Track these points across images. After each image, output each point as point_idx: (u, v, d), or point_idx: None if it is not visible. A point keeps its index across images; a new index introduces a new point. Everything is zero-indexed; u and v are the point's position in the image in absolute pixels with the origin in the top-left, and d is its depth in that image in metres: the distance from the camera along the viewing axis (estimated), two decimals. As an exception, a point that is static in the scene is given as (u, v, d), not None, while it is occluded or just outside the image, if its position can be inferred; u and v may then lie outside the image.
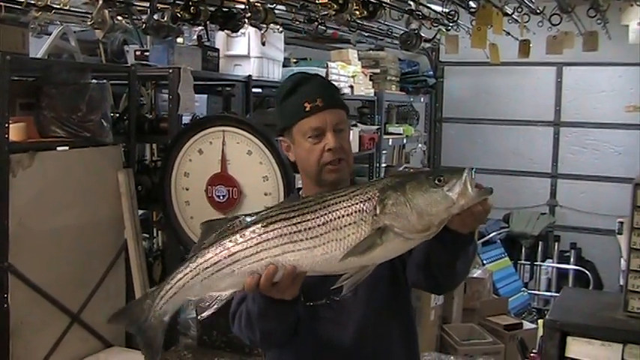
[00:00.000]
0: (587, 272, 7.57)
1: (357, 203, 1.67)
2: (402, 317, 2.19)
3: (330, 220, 1.68)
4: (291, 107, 2.12)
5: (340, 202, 1.69)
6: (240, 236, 1.75)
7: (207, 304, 1.80)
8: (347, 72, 6.49)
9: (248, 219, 1.77)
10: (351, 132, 5.83)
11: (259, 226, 1.74)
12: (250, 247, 1.73)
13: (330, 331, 2.08)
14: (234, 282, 1.77)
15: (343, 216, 1.67)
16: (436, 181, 1.64)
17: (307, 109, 2.08)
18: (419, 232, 1.64)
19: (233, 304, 2.07)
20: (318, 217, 1.69)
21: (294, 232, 1.70)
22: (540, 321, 3.57)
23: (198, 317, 1.88)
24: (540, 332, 3.39)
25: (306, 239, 1.69)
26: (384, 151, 7.25)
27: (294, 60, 6.52)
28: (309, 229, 1.69)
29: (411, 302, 2.26)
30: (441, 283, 2.02)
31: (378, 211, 1.65)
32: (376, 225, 1.65)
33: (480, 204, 1.67)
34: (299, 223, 1.70)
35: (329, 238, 1.68)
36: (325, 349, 2.09)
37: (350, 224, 1.67)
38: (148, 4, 4.11)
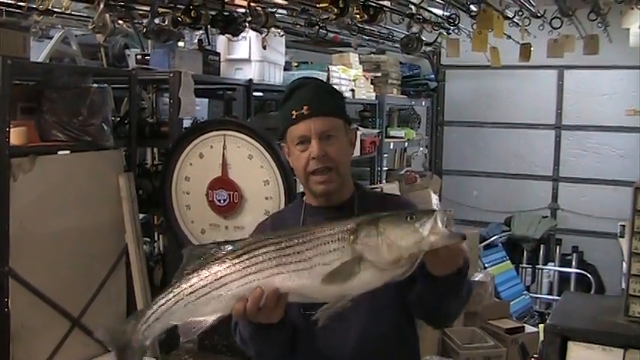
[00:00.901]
0: (589, 276, 7.56)
1: (338, 232, 1.71)
2: (404, 326, 2.18)
3: (318, 245, 1.72)
4: (284, 114, 2.14)
5: (324, 229, 1.73)
6: (227, 261, 1.76)
7: (192, 328, 1.80)
8: (348, 75, 6.50)
9: (231, 246, 1.80)
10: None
11: (246, 250, 1.76)
12: (238, 270, 1.74)
13: (330, 340, 2.08)
14: (220, 306, 1.78)
15: (328, 242, 1.71)
16: (409, 218, 1.68)
17: (294, 116, 2.09)
18: (390, 264, 1.67)
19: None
20: (304, 242, 1.72)
21: (283, 256, 1.73)
22: (541, 325, 3.56)
23: (181, 340, 1.86)
24: (541, 337, 3.38)
25: (295, 262, 1.72)
26: (385, 155, 7.25)
27: (296, 64, 6.52)
28: (297, 253, 1.72)
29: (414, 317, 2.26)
30: (433, 322, 2.15)
31: (351, 241, 1.69)
32: (354, 253, 1.69)
33: (448, 246, 1.68)
34: (287, 247, 1.73)
35: (317, 261, 1.71)
36: (325, 357, 2.09)
37: (333, 250, 1.70)
38: (148, 8, 4.12)
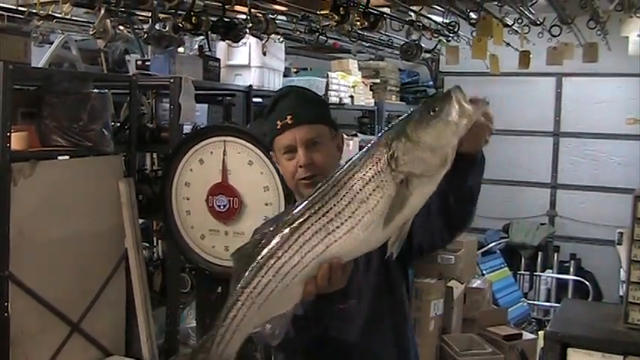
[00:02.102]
0: (586, 283, 7.57)
1: (370, 168, 1.61)
2: (401, 325, 2.21)
3: (354, 195, 1.61)
4: (269, 124, 2.16)
5: (355, 174, 1.62)
6: (279, 249, 1.66)
7: (273, 329, 1.72)
8: (347, 82, 6.51)
9: (274, 234, 1.70)
10: (350, 142, 5.86)
11: (291, 231, 1.66)
12: (293, 255, 1.65)
13: (334, 339, 2.10)
14: (290, 296, 1.70)
15: (364, 186, 1.61)
16: (432, 113, 1.59)
17: (279, 126, 2.11)
18: (439, 166, 1.59)
19: None
20: (341, 198, 1.62)
21: (328, 223, 1.63)
22: (541, 332, 3.58)
23: (272, 345, 1.74)
24: (541, 343, 3.39)
25: (342, 224, 1.62)
26: (384, 161, 7.24)
27: (295, 70, 6.55)
28: (339, 213, 1.62)
29: (409, 312, 2.27)
30: (460, 217, 1.94)
31: (393, 167, 1.59)
32: (398, 179, 1.59)
33: (482, 115, 1.66)
34: (327, 212, 1.63)
35: (361, 212, 1.61)
36: (330, 354, 2.12)
37: (374, 190, 1.60)
38: (149, 14, 4.13)
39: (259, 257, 1.68)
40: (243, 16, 4.33)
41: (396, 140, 1.60)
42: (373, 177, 1.60)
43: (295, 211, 1.70)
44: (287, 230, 1.66)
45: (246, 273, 1.69)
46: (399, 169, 1.59)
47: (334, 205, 1.62)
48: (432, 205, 1.82)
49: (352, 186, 1.62)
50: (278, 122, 2.11)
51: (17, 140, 3.51)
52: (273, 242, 1.67)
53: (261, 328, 1.72)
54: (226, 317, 1.70)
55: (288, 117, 2.09)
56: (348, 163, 1.66)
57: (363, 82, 6.99)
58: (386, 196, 1.60)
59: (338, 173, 1.66)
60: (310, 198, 1.68)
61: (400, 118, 1.68)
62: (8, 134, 3.42)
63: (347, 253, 1.67)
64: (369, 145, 1.67)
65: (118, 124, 4.41)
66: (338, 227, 1.62)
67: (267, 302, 1.68)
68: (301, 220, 1.65)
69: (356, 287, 2.09)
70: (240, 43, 4.76)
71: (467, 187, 1.84)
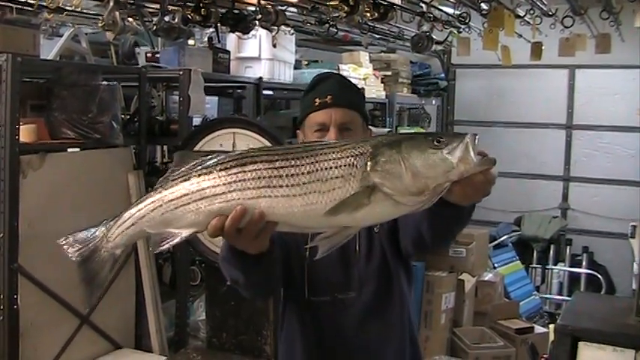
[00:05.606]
0: (599, 276, 7.52)
1: (347, 157, 1.52)
2: (401, 316, 2.21)
3: (316, 169, 1.51)
4: (305, 102, 2.17)
5: (330, 152, 1.53)
6: (213, 172, 1.56)
7: (164, 239, 1.62)
8: (358, 74, 6.49)
9: (224, 155, 1.61)
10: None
11: (236, 163, 1.56)
12: (222, 184, 1.55)
13: (332, 327, 2.13)
14: (196, 221, 1.59)
15: (331, 168, 1.51)
16: (435, 142, 1.49)
17: (316, 104, 2.12)
18: (411, 194, 1.49)
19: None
20: (303, 165, 1.52)
21: (274, 177, 1.53)
22: (551, 326, 3.55)
23: (150, 250, 1.66)
24: (551, 337, 3.36)
25: (286, 186, 1.52)
26: (395, 154, 7.22)
27: (306, 62, 6.52)
28: (291, 175, 1.52)
29: (410, 309, 2.27)
30: (433, 248, 2.02)
31: (368, 168, 1.50)
32: (365, 182, 1.49)
33: (482, 174, 1.50)
34: (281, 167, 1.53)
35: (312, 188, 1.51)
36: (328, 342, 2.14)
37: (337, 177, 1.51)
38: (158, 6, 4.12)
39: (192, 169, 1.59)
40: (253, 8, 4.31)
41: (387, 147, 1.52)
42: (345, 165, 1.52)
43: (256, 149, 1.64)
44: (234, 160, 1.57)
45: (172, 176, 1.61)
46: (372, 173, 1.50)
47: (292, 165, 1.53)
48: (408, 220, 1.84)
49: (320, 161, 1.52)
50: (317, 100, 2.13)
51: (26, 133, 3.52)
52: (213, 161, 1.58)
53: (155, 232, 1.63)
54: (133, 207, 1.65)
55: (329, 97, 2.12)
56: (334, 141, 1.66)
57: (375, 75, 6.97)
58: (344, 190, 1.51)
59: (318, 143, 1.64)
60: (278, 147, 1.64)
61: (407, 132, 1.64)
62: (17, 127, 3.42)
63: (271, 215, 1.55)
64: (364, 137, 1.65)
65: (128, 117, 4.41)
66: (281, 186, 1.52)
67: (172, 213, 1.59)
68: (253, 159, 1.56)
69: (357, 278, 2.13)
70: (250, 35, 4.75)
71: (447, 229, 1.88)
